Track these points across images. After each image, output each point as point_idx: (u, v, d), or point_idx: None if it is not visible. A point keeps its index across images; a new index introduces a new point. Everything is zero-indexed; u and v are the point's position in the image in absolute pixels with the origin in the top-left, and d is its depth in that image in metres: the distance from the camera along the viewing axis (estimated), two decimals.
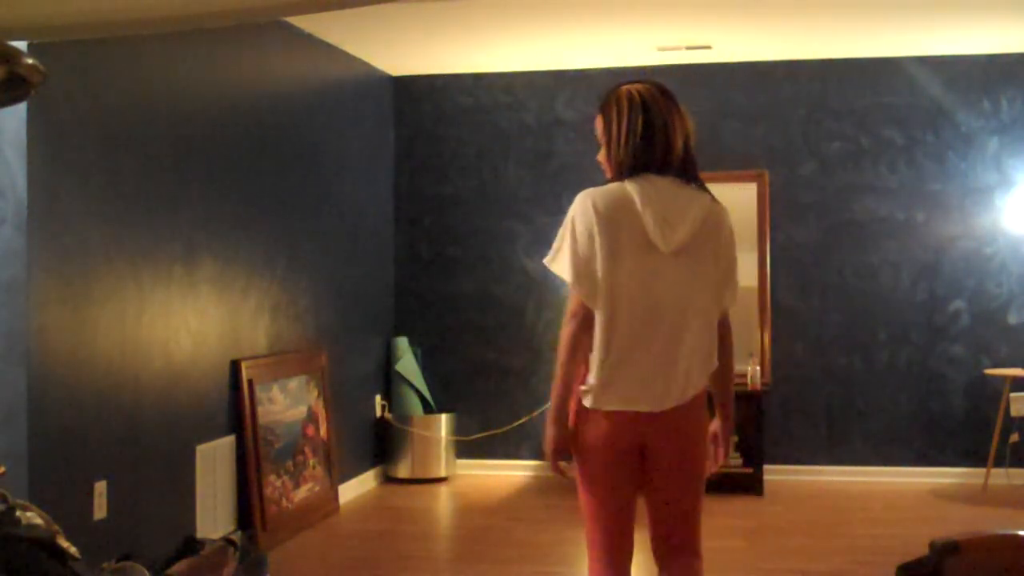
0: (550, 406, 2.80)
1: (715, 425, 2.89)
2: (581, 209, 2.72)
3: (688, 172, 2.76)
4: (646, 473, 2.84)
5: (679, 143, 2.76)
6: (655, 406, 2.73)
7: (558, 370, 2.76)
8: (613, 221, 2.69)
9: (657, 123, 2.73)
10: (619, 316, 2.70)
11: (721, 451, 2.90)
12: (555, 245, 2.78)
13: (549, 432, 2.79)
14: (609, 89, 2.84)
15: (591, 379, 2.74)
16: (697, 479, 2.86)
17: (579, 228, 2.71)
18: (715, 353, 2.80)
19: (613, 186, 2.74)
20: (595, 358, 2.72)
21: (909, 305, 6.45)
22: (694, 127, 2.83)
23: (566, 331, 2.75)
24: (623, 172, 2.74)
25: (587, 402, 2.75)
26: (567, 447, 2.79)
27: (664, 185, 2.72)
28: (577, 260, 2.71)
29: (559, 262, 2.76)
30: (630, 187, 2.71)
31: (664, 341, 2.72)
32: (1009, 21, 5.70)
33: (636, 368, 2.71)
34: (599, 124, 2.84)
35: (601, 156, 2.86)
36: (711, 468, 2.90)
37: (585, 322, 2.73)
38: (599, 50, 6.34)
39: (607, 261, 2.68)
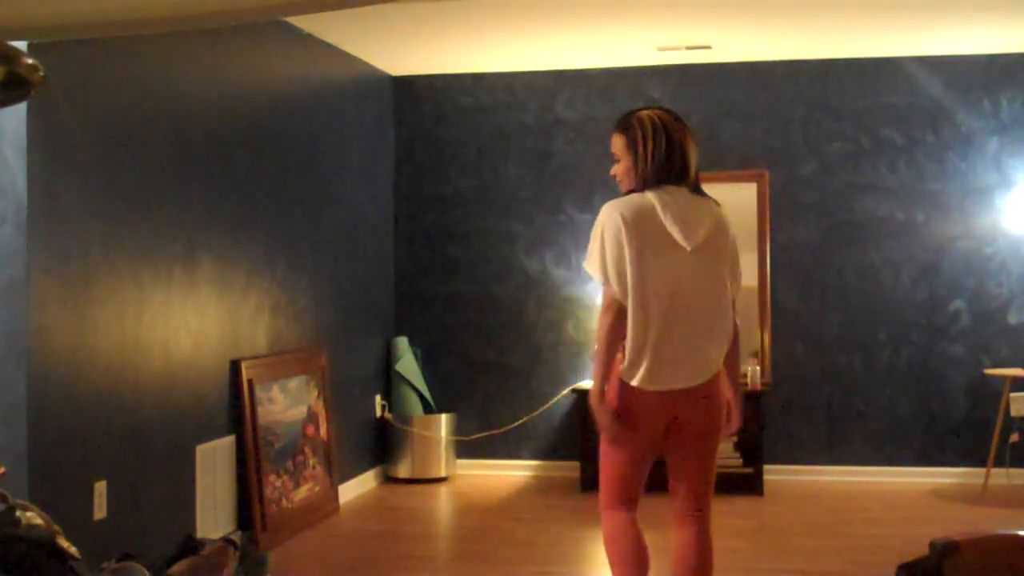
0: (592, 388, 3.24)
1: (728, 394, 3.31)
2: (609, 219, 3.17)
3: (697, 184, 3.26)
4: (671, 438, 3.27)
5: (693, 160, 3.25)
6: (686, 383, 3.18)
7: (599, 356, 3.21)
8: (639, 227, 3.14)
9: (675, 144, 3.22)
10: (650, 308, 3.14)
11: (735, 417, 3.34)
12: (589, 249, 3.23)
13: (597, 410, 3.26)
14: (627, 113, 3.32)
15: (629, 362, 3.17)
16: (715, 444, 3.32)
17: (608, 236, 3.16)
18: (730, 335, 3.24)
19: (635, 196, 3.19)
20: (630, 345, 3.15)
21: (909, 305, 6.45)
22: (694, 131, 3.35)
23: (604, 323, 3.18)
24: (647, 184, 3.20)
25: (632, 381, 3.18)
26: (612, 419, 3.24)
27: (680, 194, 3.19)
28: (608, 263, 3.15)
29: (592, 265, 3.21)
30: (651, 197, 3.17)
31: (690, 327, 3.17)
32: (1009, 21, 5.70)
33: (669, 352, 3.15)
34: (619, 143, 3.28)
35: (617, 170, 3.30)
36: (729, 431, 3.36)
37: (619, 314, 3.16)
38: (599, 50, 6.34)
39: (636, 262, 3.12)
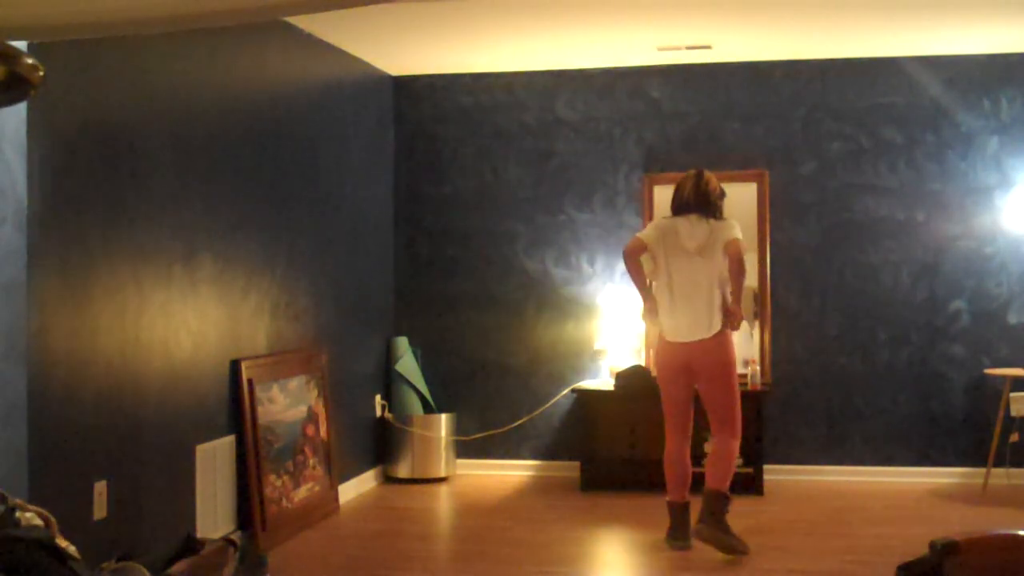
0: (644, 307, 5.02)
1: (731, 305, 4.87)
2: (654, 225, 5.06)
3: (708, 210, 4.90)
4: (696, 380, 4.91)
5: (710, 198, 4.93)
6: (696, 336, 4.85)
7: (639, 292, 5.01)
8: (666, 235, 4.94)
9: (692, 189, 4.98)
10: (674, 288, 4.89)
11: (736, 318, 4.86)
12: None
13: (648, 321, 5.11)
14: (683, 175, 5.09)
15: (662, 322, 4.93)
16: (724, 383, 4.86)
17: (651, 233, 4.99)
18: (719, 307, 4.85)
19: (669, 219, 5.00)
20: (662, 312, 4.93)
21: (909, 305, 6.45)
22: (717, 183, 5.02)
23: (629, 267, 4.95)
24: (675, 213, 4.99)
25: (665, 335, 4.93)
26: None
27: (693, 218, 4.91)
28: (648, 245, 4.95)
29: (644, 231, 5.08)
30: (678, 219, 4.96)
31: (698, 300, 4.85)
32: (1009, 21, 5.70)
33: (685, 316, 4.87)
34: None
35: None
36: (732, 327, 4.88)
37: (633, 254, 4.92)
38: (599, 50, 6.34)
39: (664, 257, 4.92)
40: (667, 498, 4.98)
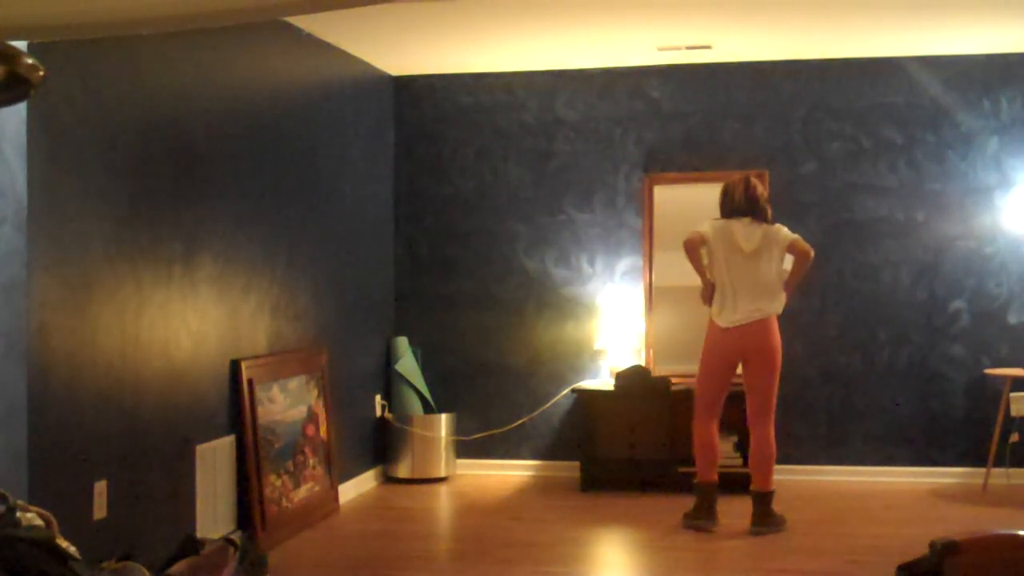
0: (704, 291, 5.35)
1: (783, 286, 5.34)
2: (709, 225, 5.34)
3: (759, 215, 5.29)
4: (745, 365, 5.27)
5: (759, 203, 5.31)
6: (749, 320, 5.21)
7: (700, 277, 5.33)
8: (722, 236, 5.30)
9: (742, 194, 5.32)
10: (728, 285, 5.26)
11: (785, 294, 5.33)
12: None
13: (705, 296, 5.37)
14: (725, 182, 5.45)
15: (715, 309, 5.29)
16: (772, 365, 5.22)
17: (709, 230, 5.31)
18: (777, 296, 5.27)
19: (722, 220, 5.34)
20: (717, 301, 5.28)
21: (909, 305, 6.45)
22: (763, 188, 5.42)
23: (691, 257, 5.28)
24: (726, 215, 5.35)
25: (718, 322, 5.28)
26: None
27: (746, 221, 5.30)
28: (707, 240, 5.30)
29: (703, 226, 5.34)
30: (732, 221, 5.31)
31: (751, 295, 5.24)
32: (1009, 21, 5.70)
33: (738, 308, 5.24)
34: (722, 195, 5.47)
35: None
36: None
37: (694, 247, 5.27)
38: (599, 50, 6.34)
39: (720, 254, 5.29)
40: (695, 479, 5.36)
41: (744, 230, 5.27)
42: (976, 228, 6.40)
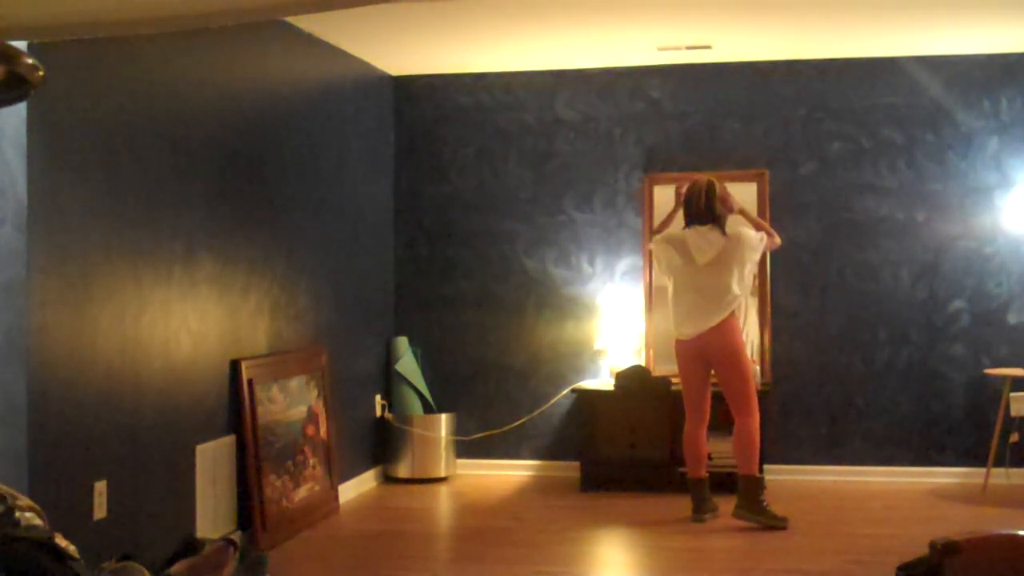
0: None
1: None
2: (664, 239, 5.56)
3: (716, 222, 5.36)
4: (713, 368, 5.42)
5: (716, 210, 5.37)
6: (705, 327, 5.33)
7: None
8: (676, 249, 5.46)
9: (704, 203, 5.39)
10: (684, 294, 5.42)
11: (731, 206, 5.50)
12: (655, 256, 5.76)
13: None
14: (690, 184, 5.51)
15: (675, 322, 5.46)
16: (737, 363, 5.36)
17: (660, 248, 5.55)
18: (729, 305, 5.36)
19: (679, 232, 5.49)
20: (674, 314, 5.48)
21: (909, 305, 6.45)
22: (726, 192, 5.48)
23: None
24: (687, 223, 5.45)
25: (677, 335, 5.47)
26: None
27: (705, 229, 5.37)
28: (658, 258, 5.63)
29: (655, 241, 5.61)
30: (689, 232, 5.42)
31: (707, 304, 5.33)
32: (1009, 21, 5.70)
33: (695, 318, 5.37)
34: (677, 198, 5.68)
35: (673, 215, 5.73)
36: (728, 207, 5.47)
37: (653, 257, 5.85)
38: (599, 50, 6.34)
39: (674, 267, 5.46)
40: (687, 476, 5.56)
41: (700, 241, 5.34)
42: (976, 228, 6.40)
